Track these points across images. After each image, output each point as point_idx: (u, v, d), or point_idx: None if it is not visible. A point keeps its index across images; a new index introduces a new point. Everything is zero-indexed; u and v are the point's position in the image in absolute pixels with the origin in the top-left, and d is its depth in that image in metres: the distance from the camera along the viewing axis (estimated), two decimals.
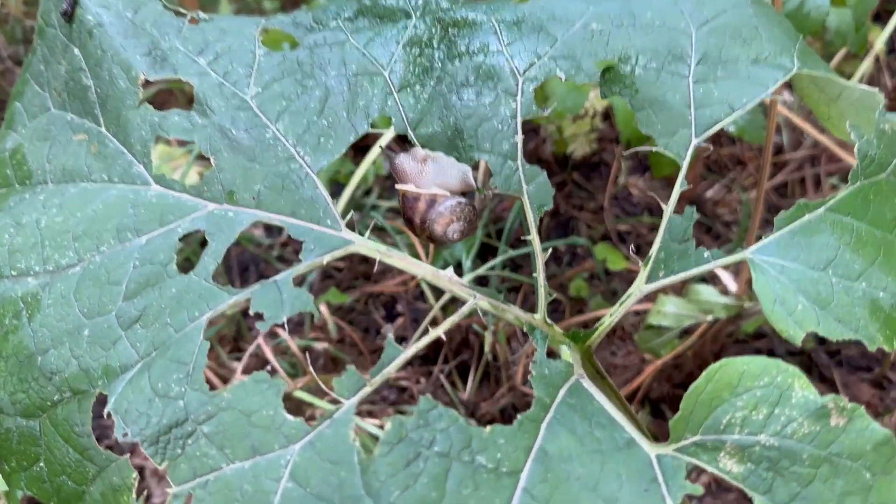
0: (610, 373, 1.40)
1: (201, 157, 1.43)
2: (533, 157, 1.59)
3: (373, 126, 0.66)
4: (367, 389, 0.53)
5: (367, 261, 1.53)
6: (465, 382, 1.39)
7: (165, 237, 0.61)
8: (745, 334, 1.38)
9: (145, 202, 0.63)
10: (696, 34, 0.66)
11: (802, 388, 0.50)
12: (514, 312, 0.62)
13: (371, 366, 1.42)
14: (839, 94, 0.69)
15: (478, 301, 0.60)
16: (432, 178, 0.65)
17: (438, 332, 0.57)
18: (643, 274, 0.62)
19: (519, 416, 0.54)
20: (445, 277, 0.60)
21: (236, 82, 0.66)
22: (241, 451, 0.51)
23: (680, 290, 1.32)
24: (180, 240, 0.60)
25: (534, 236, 0.62)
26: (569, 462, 0.51)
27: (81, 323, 0.58)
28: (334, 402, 0.54)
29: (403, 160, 0.66)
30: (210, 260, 0.59)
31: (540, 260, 0.62)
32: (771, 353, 1.43)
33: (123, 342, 0.57)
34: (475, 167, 0.62)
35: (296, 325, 1.43)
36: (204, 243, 0.61)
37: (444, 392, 1.36)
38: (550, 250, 0.86)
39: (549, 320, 0.63)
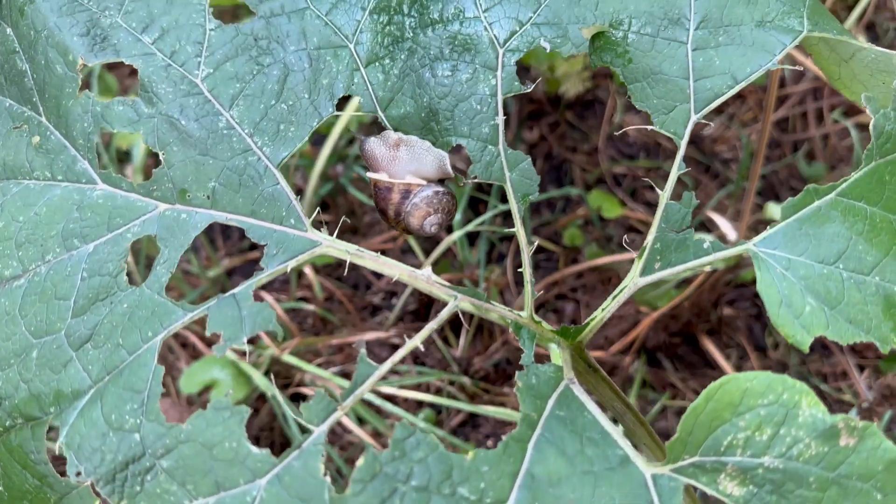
0: (606, 324, 1.37)
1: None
2: (524, 97, 1.52)
3: (338, 108, 0.60)
4: (338, 414, 0.49)
5: (354, 213, 1.47)
6: (457, 337, 1.36)
7: (114, 243, 0.55)
8: (744, 280, 1.34)
9: (91, 203, 0.57)
10: None
11: (810, 407, 0.45)
12: (498, 311, 0.57)
13: (360, 324, 1.39)
14: (852, 56, 0.63)
15: (459, 302, 0.55)
16: (406, 165, 0.59)
17: (416, 341, 0.53)
18: (637, 266, 0.58)
19: (504, 438, 0.50)
20: (423, 278, 0.56)
21: (185, 63, 0.59)
22: (204, 486, 0.47)
23: None
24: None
25: (518, 228, 0.57)
26: (558, 486, 0.48)
27: (29, 343, 0.54)
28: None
29: (374, 145, 0.60)
30: (163, 270, 0.53)
31: (526, 253, 0.57)
32: None
33: (74, 364, 0.52)
34: (453, 151, 0.56)
35: (282, 284, 1.39)
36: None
37: (437, 349, 1.33)
38: (536, 244, 0.80)
39: (536, 317, 0.58)
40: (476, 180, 0.57)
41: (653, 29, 0.59)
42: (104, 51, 0.59)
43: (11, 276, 0.55)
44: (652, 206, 1.47)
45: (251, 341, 1.30)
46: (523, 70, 1.53)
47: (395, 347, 1.39)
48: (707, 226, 1.41)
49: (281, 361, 1.24)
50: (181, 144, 0.56)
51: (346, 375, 1.25)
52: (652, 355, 1.38)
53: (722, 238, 1.29)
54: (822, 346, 1.34)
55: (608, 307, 0.58)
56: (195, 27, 0.60)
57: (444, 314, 0.55)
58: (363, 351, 0.51)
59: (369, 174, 0.60)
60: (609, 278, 1.41)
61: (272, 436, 1.24)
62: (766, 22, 0.58)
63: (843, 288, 0.52)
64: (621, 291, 0.57)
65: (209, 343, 1.31)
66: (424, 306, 1.39)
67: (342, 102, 0.60)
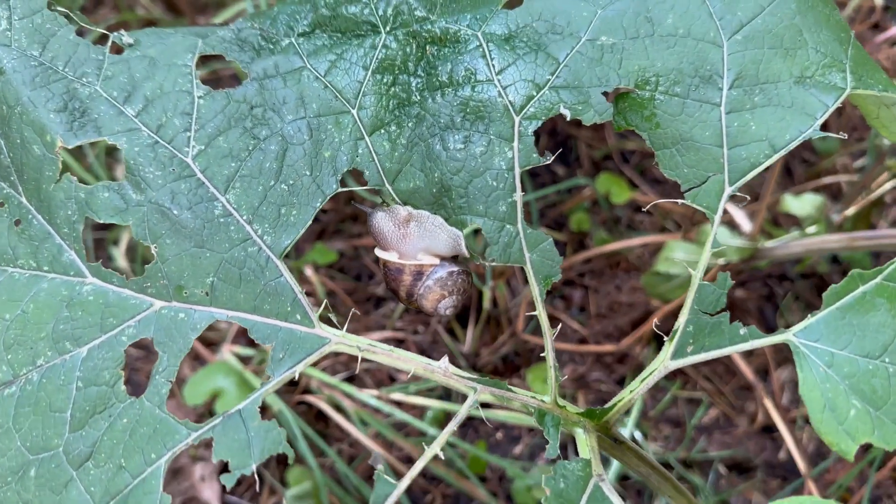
0: (614, 311, 1.34)
1: None
2: None
3: (343, 184, 0.55)
4: None
5: (353, 198, 1.42)
6: (464, 329, 1.33)
7: (108, 347, 0.52)
8: (757, 268, 1.30)
9: (82, 301, 0.53)
10: (729, 45, 0.54)
11: None
12: (520, 399, 0.54)
13: (364, 318, 1.36)
14: (895, 103, 0.58)
15: (479, 395, 0.52)
16: (416, 242, 0.55)
17: (435, 449, 0.50)
18: (668, 348, 0.54)
19: None
20: (440, 371, 0.52)
21: (173, 139, 0.54)
22: None
23: (687, 232, 1.23)
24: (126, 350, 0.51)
25: (540, 311, 0.53)
26: None
27: (26, 460, 0.50)
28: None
29: (382, 221, 0.55)
30: (162, 380, 0.50)
31: (549, 338, 0.53)
32: (783, 277, 1.36)
33: (76, 485, 0.49)
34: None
35: None
36: None
37: (443, 343, 1.31)
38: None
39: (560, 401, 0.55)
40: (493, 263, 0.53)
41: (682, 89, 0.54)
42: (84, 128, 0.54)
43: (2, 382, 0.52)
44: (662, 184, 1.42)
45: (253, 345, 1.27)
46: None
47: (400, 343, 1.37)
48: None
49: None
50: (174, 236, 0.52)
51: (351, 380, 1.23)
52: (661, 343, 1.35)
53: (731, 224, 1.25)
54: None
55: (636, 389, 0.55)
56: (182, 95, 0.55)
57: (464, 411, 0.52)
58: (380, 468, 0.48)
59: (378, 252, 0.56)
60: (617, 262, 1.38)
61: None
62: (805, 78, 0.53)
63: (889, 384, 0.48)
64: (650, 374, 0.54)
65: (208, 343, 1.28)
66: None
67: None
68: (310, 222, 0.53)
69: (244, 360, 1.22)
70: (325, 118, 0.55)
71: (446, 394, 1.24)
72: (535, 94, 0.54)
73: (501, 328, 1.34)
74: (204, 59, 0.54)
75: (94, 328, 0.52)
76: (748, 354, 1.29)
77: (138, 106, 0.54)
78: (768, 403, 1.17)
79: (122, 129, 0.54)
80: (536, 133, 0.53)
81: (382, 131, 0.55)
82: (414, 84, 0.56)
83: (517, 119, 0.54)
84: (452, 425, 0.51)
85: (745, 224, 1.17)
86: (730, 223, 1.23)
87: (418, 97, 0.55)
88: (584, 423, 0.55)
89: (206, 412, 1.22)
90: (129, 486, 0.48)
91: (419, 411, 1.22)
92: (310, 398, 1.19)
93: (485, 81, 0.54)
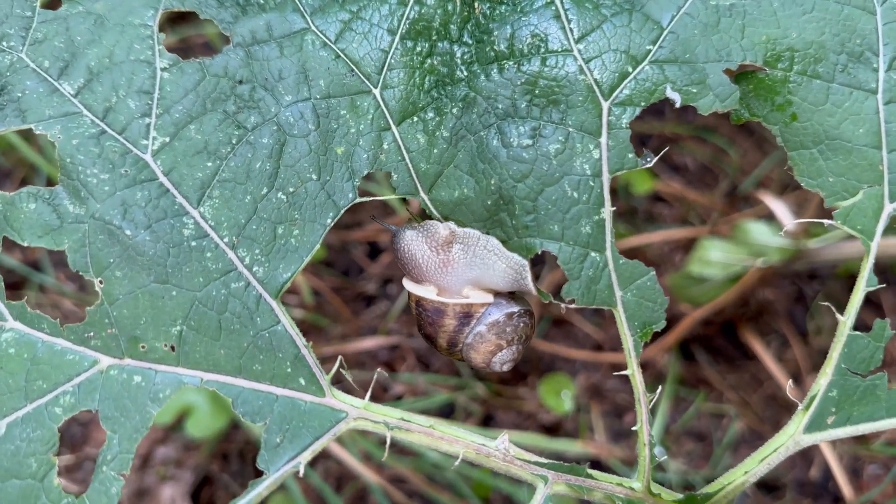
0: None
1: None
2: None
3: (363, 193, 0.40)
4: None
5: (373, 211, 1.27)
6: None
7: (37, 422, 0.36)
8: (796, 271, 1.18)
9: None
10: (883, 11, 0.40)
11: None
12: (603, 489, 0.40)
13: (355, 320, 1.21)
14: None
15: (551, 486, 0.38)
16: (463, 272, 0.40)
17: None
18: (801, 419, 0.40)
19: None
20: (500, 453, 0.38)
21: (127, 128, 0.39)
22: None
23: (727, 230, 1.10)
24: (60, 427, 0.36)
25: (635, 370, 0.39)
26: None
27: None
28: None
29: (413, 242, 0.41)
30: (111, 475, 0.35)
31: (644, 407, 0.39)
32: (812, 276, 1.24)
33: None
34: (535, 259, 0.37)
35: None
36: None
37: None
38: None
39: (654, 488, 0.41)
40: (574, 305, 0.39)
41: (826, 69, 0.39)
42: (2, 111, 0.38)
43: None
44: (684, 172, 1.29)
45: None
46: None
47: (395, 349, 1.23)
48: (747, 199, 1.24)
49: None
50: (127, 267, 0.37)
51: (335, 382, 1.09)
52: (685, 347, 1.23)
53: (769, 218, 1.12)
54: (866, 329, 1.21)
55: (752, 470, 0.41)
56: (139, 66, 0.39)
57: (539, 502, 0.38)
58: None
59: (409, 285, 0.41)
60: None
61: (256, 452, 1.09)
62: None
63: None
64: (773, 452, 0.40)
65: None
66: None
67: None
68: (317, 246, 0.38)
69: None
70: (337, 100, 0.40)
71: (448, 409, 1.10)
72: (630, 70, 0.39)
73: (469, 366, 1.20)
74: (170, 22, 0.39)
75: (17, 394, 0.37)
76: (779, 357, 1.18)
77: (79, 81, 0.39)
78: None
79: (55, 113, 0.38)
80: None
81: (416, 119, 0.40)
82: (459, 54, 0.41)
83: (606, 105, 0.39)
84: None
85: (787, 220, 1.04)
86: (768, 217, 1.10)
87: (465, 73, 0.40)
88: None
89: (176, 427, 1.07)
90: None
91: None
92: None
93: (560, 52, 0.39)
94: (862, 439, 1.11)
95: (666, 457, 1.06)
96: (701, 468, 1.10)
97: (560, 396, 1.12)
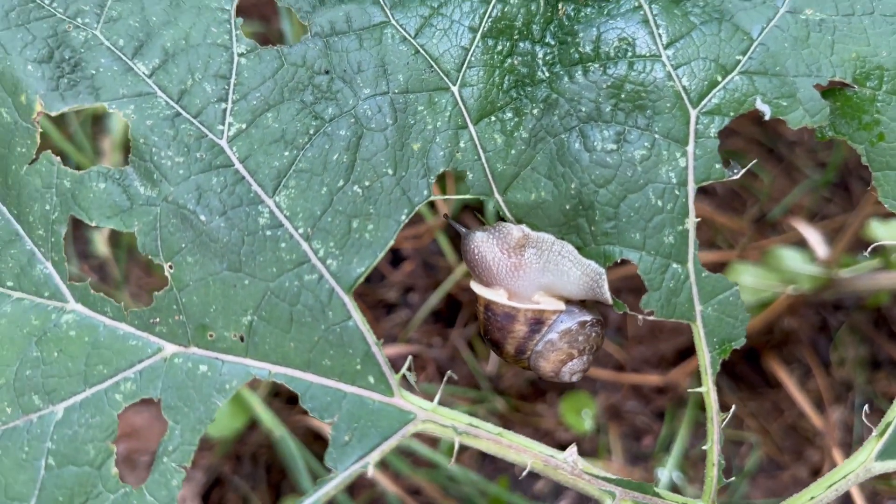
0: (656, 336, 1.20)
1: None
2: None
3: (437, 190, 0.39)
4: None
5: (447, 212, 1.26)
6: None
7: (96, 408, 0.35)
8: (821, 301, 1.17)
9: (59, 336, 0.37)
10: None
11: None
12: None
13: (375, 326, 1.20)
14: None
15: (619, 502, 0.37)
16: (535, 277, 0.39)
17: None
18: (874, 446, 0.39)
19: None
20: (568, 466, 0.37)
21: (202, 112, 0.38)
22: None
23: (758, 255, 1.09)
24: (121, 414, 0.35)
25: (709, 388, 0.38)
26: None
27: None
28: None
29: (484, 243, 0.40)
30: (173, 466, 0.34)
31: (716, 426, 0.38)
32: (837, 306, 1.23)
33: None
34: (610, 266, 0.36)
35: None
36: None
37: (463, 361, 1.16)
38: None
39: None
40: (652, 317, 0.38)
41: None
42: (75, 87, 0.37)
43: None
44: (711, 195, 1.28)
45: None
46: None
47: (415, 358, 1.22)
48: (775, 226, 1.23)
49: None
50: (200, 253, 0.36)
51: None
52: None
53: (801, 244, 1.12)
54: (890, 363, 1.20)
55: (818, 496, 0.40)
56: (216, 50, 0.38)
57: None
58: None
59: (477, 288, 0.40)
60: None
61: (270, 455, 1.08)
62: None
63: None
64: (843, 478, 0.39)
65: None
66: (448, 306, 1.21)
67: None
68: (391, 242, 0.37)
69: None
70: (416, 96, 0.39)
71: None
72: (719, 79, 0.38)
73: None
74: (243, 11, 0.38)
75: (76, 378, 0.36)
76: (802, 386, 1.17)
77: (154, 61, 0.38)
78: (836, 454, 1.04)
79: (129, 92, 0.38)
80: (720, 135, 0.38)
81: (494, 118, 0.40)
82: (541, 55, 0.40)
83: (694, 113, 0.38)
84: None
85: (821, 249, 1.03)
86: (800, 244, 1.09)
87: (547, 74, 0.40)
88: None
89: None
90: None
91: (428, 438, 1.07)
92: (311, 420, 1.03)
93: (647, 57, 0.38)
94: (883, 475, 1.09)
95: (682, 481, 1.04)
96: (719, 495, 1.09)
97: (580, 415, 1.10)
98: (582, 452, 1.10)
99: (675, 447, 1.08)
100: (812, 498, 0.40)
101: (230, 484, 1.12)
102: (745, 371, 1.19)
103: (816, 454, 1.13)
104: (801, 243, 1.11)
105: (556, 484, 1.13)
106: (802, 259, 1.02)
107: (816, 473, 1.10)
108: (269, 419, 0.96)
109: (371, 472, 0.34)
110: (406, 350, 1.12)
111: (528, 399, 1.16)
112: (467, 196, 0.39)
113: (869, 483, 1.10)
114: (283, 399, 1.08)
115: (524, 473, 0.37)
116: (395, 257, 1.26)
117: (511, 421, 1.13)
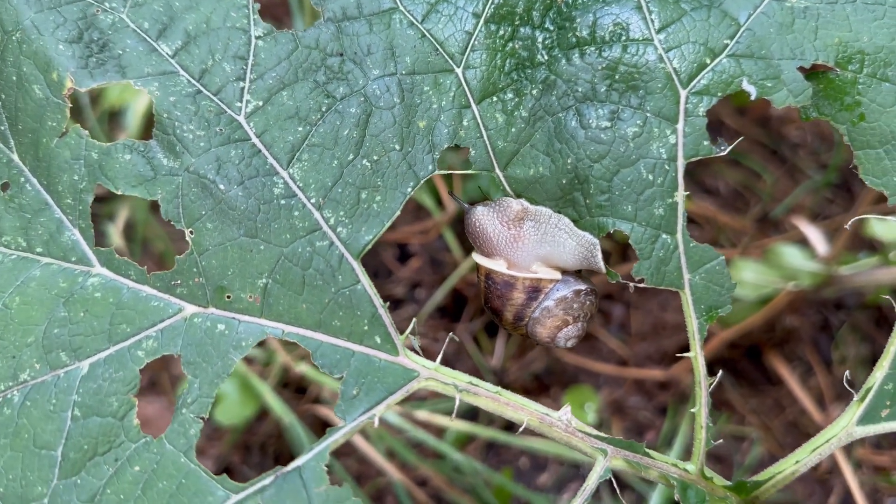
0: (658, 332, 1.22)
1: None
2: None
3: (441, 164, 0.42)
4: None
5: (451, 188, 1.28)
6: (492, 340, 1.20)
7: (119, 364, 0.38)
8: (823, 300, 1.18)
9: (85, 297, 0.39)
10: None
11: None
12: (659, 468, 0.41)
13: None
14: None
15: (610, 460, 0.39)
16: (533, 248, 0.42)
17: None
18: (855, 411, 0.41)
19: None
20: (561, 424, 0.39)
21: (222, 90, 0.40)
22: None
23: (760, 251, 1.11)
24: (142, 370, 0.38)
25: (697, 353, 0.40)
26: None
27: None
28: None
29: (485, 217, 0.42)
30: (191, 417, 0.36)
31: (704, 390, 0.40)
32: (839, 305, 1.25)
33: None
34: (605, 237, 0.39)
35: None
36: None
37: (468, 356, 1.18)
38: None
39: (707, 472, 0.42)
40: (643, 284, 0.40)
41: (895, 73, 0.41)
42: (103, 66, 0.40)
43: None
44: (714, 194, 1.30)
45: (259, 343, 1.14)
46: None
47: (424, 351, 1.24)
48: (777, 225, 1.25)
49: (294, 371, 1.08)
50: (218, 219, 0.38)
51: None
52: (709, 368, 1.23)
53: (802, 242, 1.13)
54: None
55: (803, 460, 0.42)
56: (235, 32, 0.41)
57: (593, 484, 0.39)
58: None
59: (479, 258, 0.42)
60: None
61: (278, 445, 1.10)
62: None
63: None
64: (825, 442, 0.41)
65: None
66: (454, 301, 1.23)
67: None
68: (398, 213, 0.40)
69: (248, 359, 1.08)
70: (422, 77, 0.42)
71: (472, 413, 1.11)
72: (708, 61, 0.40)
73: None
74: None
75: (101, 336, 0.38)
76: (803, 384, 1.18)
77: (177, 42, 0.41)
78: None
79: (153, 71, 0.40)
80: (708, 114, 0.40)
81: (495, 99, 0.42)
82: (540, 39, 0.42)
83: (684, 93, 0.40)
84: (580, 502, 0.37)
85: (821, 246, 1.05)
86: (801, 242, 1.10)
87: (546, 57, 0.42)
88: (732, 500, 0.42)
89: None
90: None
91: (436, 429, 1.09)
92: (320, 409, 1.05)
93: (640, 40, 0.41)
94: (883, 471, 1.10)
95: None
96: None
97: (584, 409, 1.12)
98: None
99: (677, 442, 1.09)
100: (797, 461, 0.42)
101: (239, 473, 1.14)
102: (747, 368, 1.21)
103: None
104: (803, 242, 1.13)
105: (560, 476, 1.15)
106: (803, 256, 1.04)
107: (816, 468, 1.11)
108: (278, 407, 0.98)
109: (377, 422, 0.37)
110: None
111: (532, 393, 1.17)
112: (470, 171, 0.42)
113: (869, 480, 1.11)
114: (293, 388, 1.10)
115: (520, 430, 0.39)
116: (403, 253, 1.29)
117: None
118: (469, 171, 0.42)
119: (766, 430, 1.16)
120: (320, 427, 1.06)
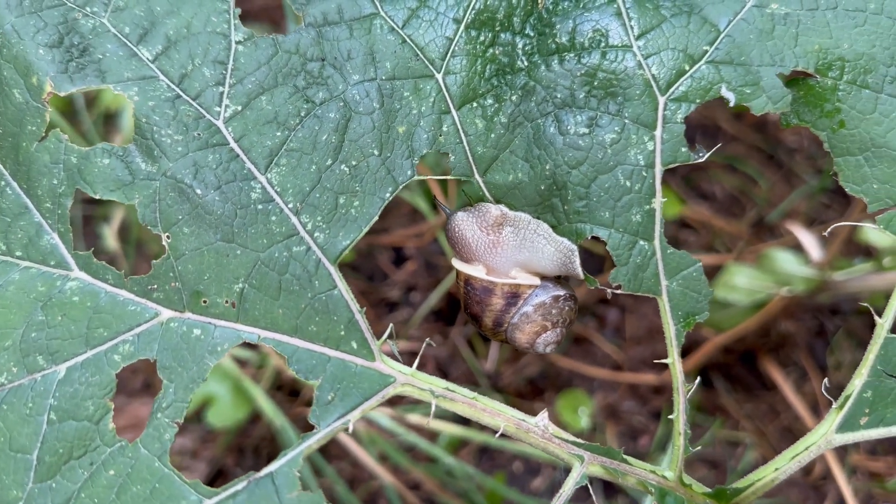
0: (653, 337, 1.22)
1: None
2: None
3: (436, 169, 0.42)
4: None
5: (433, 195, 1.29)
6: (486, 344, 1.20)
7: (96, 368, 0.38)
8: (818, 305, 1.18)
9: (63, 301, 0.39)
10: None
11: None
12: (637, 475, 0.41)
13: (377, 321, 1.22)
14: None
15: (587, 466, 0.39)
16: (512, 253, 0.42)
17: None
18: (834, 418, 0.41)
19: None
20: (538, 430, 0.39)
21: (201, 94, 0.40)
22: None
23: (754, 258, 1.11)
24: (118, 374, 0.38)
25: (674, 360, 0.40)
26: None
27: None
28: None
29: (464, 222, 0.42)
30: (166, 422, 0.36)
31: (682, 396, 0.40)
32: (835, 311, 1.24)
33: None
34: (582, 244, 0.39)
35: None
36: None
37: (462, 360, 1.18)
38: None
39: (686, 479, 0.42)
40: (619, 291, 0.40)
41: (875, 80, 0.41)
42: (83, 70, 0.40)
43: None
44: (710, 199, 1.30)
45: (252, 346, 1.14)
46: None
47: (414, 356, 1.24)
48: (772, 230, 1.25)
49: (287, 373, 1.08)
50: (195, 224, 0.38)
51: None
52: (704, 373, 1.23)
53: (797, 248, 1.13)
54: None
55: (782, 468, 0.42)
56: (215, 37, 0.41)
57: (570, 489, 0.38)
58: None
59: (457, 264, 0.42)
60: None
61: (272, 448, 1.10)
62: None
63: None
64: (805, 450, 0.41)
65: None
66: (448, 305, 1.23)
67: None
68: (375, 218, 0.40)
69: (241, 362, 1.08)
70: (402, 82, 0.42)
71: (465, 418, 1.10)
72: (687, 68, 0.40)
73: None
74: (253, 15, 0.41)
75: (78, 340, 0.38)
76: (798, 390, 1.18)
77: (157, 47, 0.41)
78: (828, 454, 1.05)
79: (133, 76, 0.40)
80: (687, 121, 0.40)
81: (475, 104, 0.42)
82: (520, 45, 0.42)
83: (662, 100, 0.40)
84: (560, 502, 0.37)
85: (815, 251, 1.04)
86: (796, 248, 1.10)
87: (526, 63, 0.42)
88: None
89: (194, 418, 1.08)
90: None
91: (428, 433, 1.09)
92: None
93: (619, 47, 0.41)
94: (878, 476, 1.10)
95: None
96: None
97: (577, 413, 1.12)
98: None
99: (671, 447, 1.09)
100: (777, 469, 0.42)
101: (232, 475, 1.14)
102: (741, 373, 1.20)
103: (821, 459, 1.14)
104: (798, 247, 1.12)
105: (554, 481, 1.15)
106: (796, 261, 1.04)
107: (809, 473, 1.11)
108: (270, 409, 0.98)
109: (351, 428, 0.37)
110: (408, 347, 1.14)
111: (525, 397, 1.17)
112: (449, 177, 0.42)
113: (864, 486, 1.11)
114: (286, 391, 1.10)
115: (497, 435, 0.39)
116: (398, 257, 1.29)
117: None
118: (448, 177, 0.42)
119: (761, 436, 1.16)
120: (311, 427, 1.06)
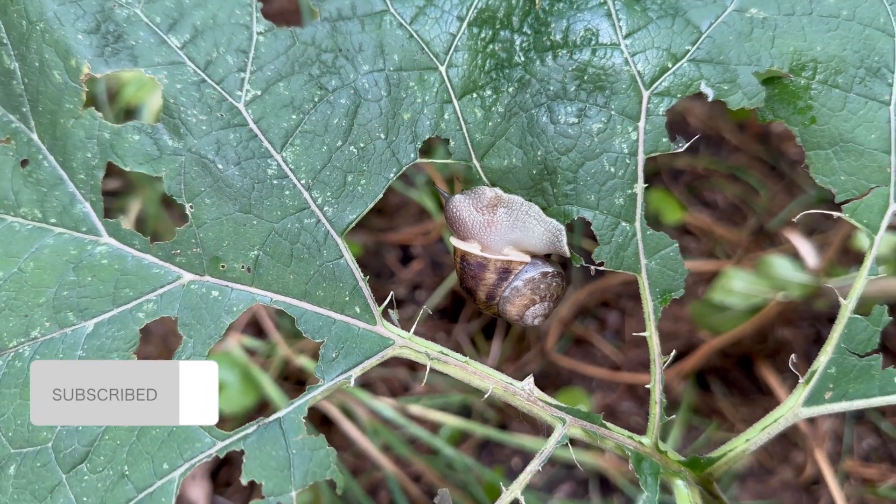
0: None
1: None
2: None
3: (423, 153, 0.45)
4: None
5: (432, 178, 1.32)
6: (488, 341, 1.23)
7: (121, 324, 0.42)
8: (815, 313, 1.21)
9: (93, 264, 0.43)
10: None
11: None
12: (615, 439, 0.44)
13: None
14: None
15: (568, 428, 0.42)
16: (505, 233, 0.45)
17: (516, 492, 0.40)
18: (801, 392, 0.44)
19: None
20: (523, 393, 0.42)
21: (224, 80, 0.44)
22: None
23: (752, 262, 1.13)
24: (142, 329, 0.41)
25: (651, 333, 0.43)
26: None
27: (6, 453, 0.40)
28: None
29: (462, 205, 0.46)
30: None
31: (658, 367, 0.43)
32: (832, 319, 1.26)
33: (64, 492, 0.39)
34: (570, 225, 0.42)
35: None
36: None
37: (464, 355, 1.21)
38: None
39: (662, 445, 0.45)
40: (602, 268, 0.43)
41: (845, 80, 0.44)
42: (117, 55, 0.44)
43: None
44: (712, 207, 1.33)
45: (260, 334, 1.17)
46: None
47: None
48: (772, 239, 1.27)
49: (294, 363, 1.12)
50: (216, 195, 0.42)
51: (365, 386, 1.13)
52: (701, 377, 1.26)
53: (794, 255, 1.16)
54: None
55: (753, 438, 0.45)
56: (238, 28, 0.45)
57: (550, 448, 0.42)
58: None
59: (455, 242, 0.46)
60: None
61: None
62: None
63: None
64: (774, 422, 0.44)
65: None
66: (454, 302, 1.26)
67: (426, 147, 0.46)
68: (380, 196, 0.44)
69: (250, 352, 1.12)
70: (408, 73, 0.46)
71: (466, 412, 1.14)
72: (670, 65, 0.44)
73: (528, 344, 1.24)
74: (271, 18, 0.45)
75: (106, 299, 0.42)
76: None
77: (185, 36, 0.45)
78: (819, 456, 1.07)
79: (162, 60, 0.44)
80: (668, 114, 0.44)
81: (475, 95, 0.46)
82: (518, 42, 0.46)
83: (646, 94, 0.44)
84: (536, 464, 0.41)
85: (811, 258, 1.07)
86: (793, 254, 1.13)
87: (522, 58, 0.46)
88: (686, 474, 0.45)
89: None
90: (133, 501, 0.38)
91: (431, 425, 1.12)
92: (320, 403, 1.08)
93: (608, 45, 0.44)
94: (869, 482, 1.12)
95: None
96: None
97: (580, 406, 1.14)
98: (576, 445, 1.14)
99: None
100: (747, 440, 0.45)
101: (238, 463, 1.17)
102: (738, 378, 1.23)
103: (802, 457, 1.16)
104: (796, 255, 1.15)
105: (551, 477, 1.17)
106: (793, 267, 1.07)
107: (801, 475, 1.13)
108: (277, 397, 1.01)
109: (353, 383, 0.40)
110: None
111: None
112: (449, 161, 0.45)
113: (857, 491, 1.13)
114: (293, 381, 1.13)
115: (485, 397, 0.43)
116: (405, 256, 1.32)
117: (509, 414, 1.17)
118: (449, 161, 0.45)
119: None
120: (317, 417, 1.09)
